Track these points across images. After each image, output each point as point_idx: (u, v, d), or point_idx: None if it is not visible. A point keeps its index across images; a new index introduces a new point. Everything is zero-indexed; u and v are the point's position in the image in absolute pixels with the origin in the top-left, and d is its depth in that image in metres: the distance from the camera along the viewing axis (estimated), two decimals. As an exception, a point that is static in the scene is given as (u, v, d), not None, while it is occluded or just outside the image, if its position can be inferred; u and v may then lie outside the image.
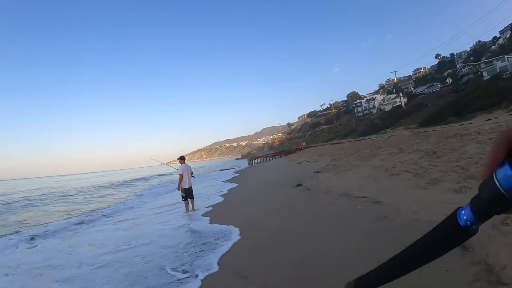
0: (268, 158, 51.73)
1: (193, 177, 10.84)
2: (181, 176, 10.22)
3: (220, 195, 12.93)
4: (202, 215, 8.94)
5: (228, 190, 14.53)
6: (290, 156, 41.23)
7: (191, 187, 10.41)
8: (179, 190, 10.38)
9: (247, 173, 27.65)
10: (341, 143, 51.09)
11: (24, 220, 12.36)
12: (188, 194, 10.29)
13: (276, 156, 52.32)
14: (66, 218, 11.90)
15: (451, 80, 66.89)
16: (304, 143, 75.27)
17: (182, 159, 10.78)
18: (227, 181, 21.12)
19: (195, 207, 10.39)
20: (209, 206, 10.34)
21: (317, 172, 12.40)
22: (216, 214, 8.89)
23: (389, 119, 67.56)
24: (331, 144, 54.65)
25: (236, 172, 31.33)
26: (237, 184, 17.11)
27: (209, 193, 14.43)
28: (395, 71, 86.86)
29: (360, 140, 45.07)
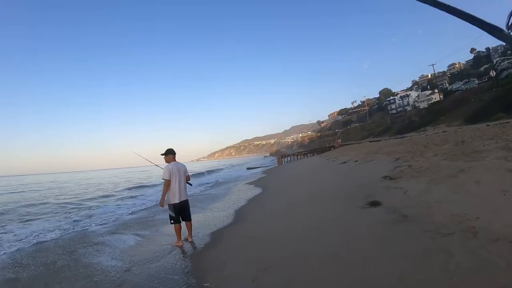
0: (299, 156, 46.94)
1: (190, 184, 6.57)
2: (167, 183, 5.93)
3: (232, 213, 8.61)
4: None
5: (248, 201, 10.34)
6: (324, 154, 36.39)
7: (186, 200, 6.14)
8: (162, 206, 6.12)
9: (277, 174, 23.12)
10: (380, 140, 45.42)
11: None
12: (181, 213, 6.07)
13: (308, 155, 47.38)
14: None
15: (494, 73, 60.05)
16: (339, 140, 70.04)
17: (169, 154, 6.29)
18: (250, 183, 17.05)
19: (192, 234, 6.23)
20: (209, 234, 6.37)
21: (389, 178, 7.83)
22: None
23: (428, 116, 62.30)
24: (370, 141, 49.13)
25: (264, 172, 26.90)
26: (261, 190, 12.92)
27: (216, 207, 10.22)
28: (432, 64, 79.48)
29: (402, 137, 39.48)
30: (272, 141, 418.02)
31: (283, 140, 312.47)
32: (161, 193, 6.17)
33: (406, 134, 49.33)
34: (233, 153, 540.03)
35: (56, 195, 21.56)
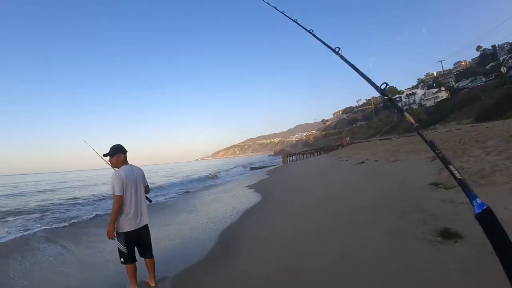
0: (305, 155, 44.50)
1: (149, 201, 4.18)
2: (119, 200, 3.58)
3: (211, 238, 5.96)
4: None
5: (245, 213, 7.92)
6: (333, 153, 34.06)
7: (145, 226, 3.87)
8: (111, 238, 3.64)
9: (283, 174, 20.70)
10: (390, 138, 43.09)
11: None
12: (138, 245, 3.86)
13: (315, 153, 44.91)
14: None
15: (505, 69, 57.88)
16: (347, 139, 67.96)
17: (118, 153, 3.89)
18: (249, 186, 14.65)
19: (155, 276, 3.98)
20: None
21: (443, 186, 5.55)
22: None
23: (437, 114, 60.00)
24: (379, 140, 46.74)
25: (268, 173, 24.52)
26: (261, 197, 10.42)
27: (188, 223, 7.80)
28: (441, 61, 77.52)
29: (411, 135, 36.99)
30: (276, 140, 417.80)
31: (288, 139, 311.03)
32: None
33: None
34: (238, 152, 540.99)
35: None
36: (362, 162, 13.83)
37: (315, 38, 2.41)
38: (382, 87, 1.52)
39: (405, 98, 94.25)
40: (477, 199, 0.94)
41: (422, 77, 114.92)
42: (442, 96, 73.27)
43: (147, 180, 4.12)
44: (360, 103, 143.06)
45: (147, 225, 3.90)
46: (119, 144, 3.98)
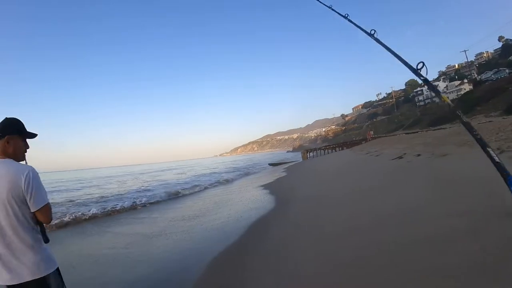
0: (326, 150, 41.92)
1: (44, 237, 1.86)
2: None
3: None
4: None
5: (244, 237, 5.61)
6: (357, 148, 31.46)
7: (28, 283, 1.91)
8: None
9: (303, 172, 18.44)
10: (416, 132, 39.73)
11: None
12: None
13: (337, 149, 42.29)
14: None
15: None
16: (371, 132, 64.81)
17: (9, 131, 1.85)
18: (263, 187, 12.56)
19: None
20: None
21: None
22: None
23: (462, 107, 55.72)
24: (406, 133, 43.71)
25: (285, 170, 22.14)
26: (275, 203, 8.28)
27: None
28: (465, 51, 72.93)
29: (441, 128, 33.85)
30: (295, 135, 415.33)
31: (306, 135, 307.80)
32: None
33: (443, 126, 43.87)
34: (256, 148, 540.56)
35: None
36: (400, 157, 11.42)
37: (350, 23, 2.77)
38: (419, 66, 1.70)
39: (427, 92, 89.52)
40: None
41: (443, 69, 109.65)
42: (465, 89, 69.92)
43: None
44: (380, 97, 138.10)
45: (33, 282, 1.81)
46: (12, 118, 1.95)
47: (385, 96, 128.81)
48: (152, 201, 12.71)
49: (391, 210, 4.79)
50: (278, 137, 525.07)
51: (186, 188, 16.28)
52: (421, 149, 12.25)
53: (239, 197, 11.01)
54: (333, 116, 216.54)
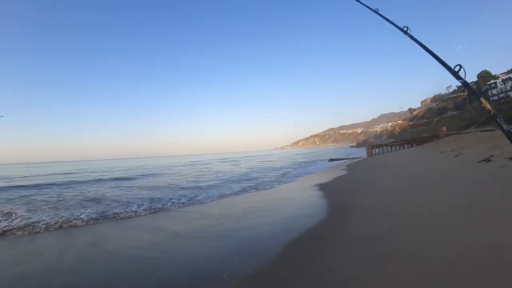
0: (393, 147, 38.50)
1: None
2: None
3: None
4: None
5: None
6: (428, 145, 28.31)
7: None
8: None
9: (369, 170, 16.51)
10: (493, 130, 33.84)
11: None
12: None
13: (405, 145, 38.61)
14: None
15: None
16: (444, 129, 58.61)
17: None
18: (319, 187, 11.07)
19: None
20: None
21: None
22: None
23: None
24: (481, 131, 38.69)
25: (346, 168, 20.28)
26: (326, 214, 6.72)
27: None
28: None
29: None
30: (359, 130, 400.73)
31: (371, 129, 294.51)
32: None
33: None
34: (318, 142, 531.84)
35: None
36: (488, 160, 9.33)
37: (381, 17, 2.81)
38: (456, 69, 1.73)
39: (501, 84, 78.75)
40: None
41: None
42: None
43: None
44: (451, 90, 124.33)
45: None
46: None
47: (456, 89, 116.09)
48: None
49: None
50: (341, 131, 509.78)
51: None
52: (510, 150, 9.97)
53: (288, 197, 9.83)
54: (400, 110, 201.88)
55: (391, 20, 2.82)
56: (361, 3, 3.42)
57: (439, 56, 2.14)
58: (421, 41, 2.39)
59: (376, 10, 3.15)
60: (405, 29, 2.49)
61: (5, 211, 9.31)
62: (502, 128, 1.54)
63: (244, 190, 12.55)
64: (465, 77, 1.87)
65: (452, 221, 4.43)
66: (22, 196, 13.39)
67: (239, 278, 3.58)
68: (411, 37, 2.45)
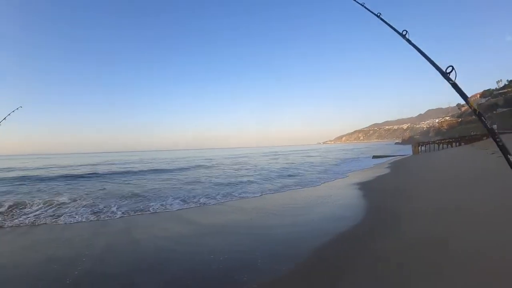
0: (441, 145, 35.90)
1: None
2: None
3: None
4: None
5: None
6: (478, 144, 25.92)
7: None
8: None
9: (416, 171, 15.54)
10: None
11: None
12: None
13: (454, 144, 35.77)
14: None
15: None
16: (495, 127, 53.48)
17: None
18: (359, 186, 10.45)
19: None
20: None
21: None
22: None
23: None
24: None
25: (390, 166, 19.20)
26: (362, 217, 6.06)
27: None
28: None
29: None
30: (404, 126, 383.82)
31: (418, 126, 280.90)
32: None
33: None
34: (361, 138, 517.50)
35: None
36: None
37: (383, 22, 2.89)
38: (448, 70, 1.84)
39: None
40: None
41: None
42: None
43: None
44: (501, 84, 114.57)
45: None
46: None
47: (506, 83, 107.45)
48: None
49: None
50: (386, 127, 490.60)
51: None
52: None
53: (325, 195, 9.33)
54: (448, 106, 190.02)
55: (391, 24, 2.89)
56: (364, 7, 3.45)
57: (433, 59, 2.23)
58: (418, 45, 2.48)
59: (378, 14, 3.17)
60: (403, 33, 2.60)
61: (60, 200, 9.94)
62: (485, 126, 1.71)
63: (281, 187, 12.15)
64: (455, 79, 1.92)
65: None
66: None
67: (258, 284, 3.29)
68: (408, 41, 2.55)
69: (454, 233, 4.03)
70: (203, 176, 17.48)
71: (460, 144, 34.74)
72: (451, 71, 1.90)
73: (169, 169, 24.44)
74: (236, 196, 10.23)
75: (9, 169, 28.21)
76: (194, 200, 9.45)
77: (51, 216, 7.63)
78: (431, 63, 2.18)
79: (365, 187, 10.19)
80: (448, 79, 1.91)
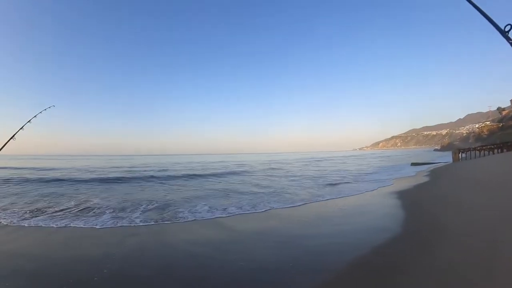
0: (482, 151, 33.51)
1: None
2: None
3: None
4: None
5: None
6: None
7: None
8: None
9: (455, 180, 14.88)
10: None
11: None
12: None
13: (495, 150, 33.21)
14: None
15: None
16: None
17: None
18: (397, 195, 9.96)
19: None
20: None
21: None
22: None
23: None
24: None
25: (429, 174, 18.28)
26: (400, 231, 5.71)
27: None
28: None
29: None
30: (443, 131, 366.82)
31: (457, 131, 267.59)
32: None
33: None
34: (399, 144, 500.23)
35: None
36: None
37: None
38: (507, 29, 1.58)
39: None
40: None
41: None
42: None
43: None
44: None
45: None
46: None
47: None
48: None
49: None
50: (425, 132, 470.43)
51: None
52: None
53: (362, 204, 9.04)
54: (488, 110, 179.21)
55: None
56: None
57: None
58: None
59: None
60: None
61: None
62: None
63: (315, 195, 11.91)
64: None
65: None
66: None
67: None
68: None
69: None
70: (241, 183, 17.44)
71: (502, 151, 32.47)
72: (510, 29, 1.76)
73: (222, 173, 24.91)
74: (271, 205, 9.93)
75: (68, 170, 28.64)
76: (228, 207, 9.24)
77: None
78: (487, 18, 1.99)
79: (404, 196, 9.69)
80: (508, 39, 1.75)
